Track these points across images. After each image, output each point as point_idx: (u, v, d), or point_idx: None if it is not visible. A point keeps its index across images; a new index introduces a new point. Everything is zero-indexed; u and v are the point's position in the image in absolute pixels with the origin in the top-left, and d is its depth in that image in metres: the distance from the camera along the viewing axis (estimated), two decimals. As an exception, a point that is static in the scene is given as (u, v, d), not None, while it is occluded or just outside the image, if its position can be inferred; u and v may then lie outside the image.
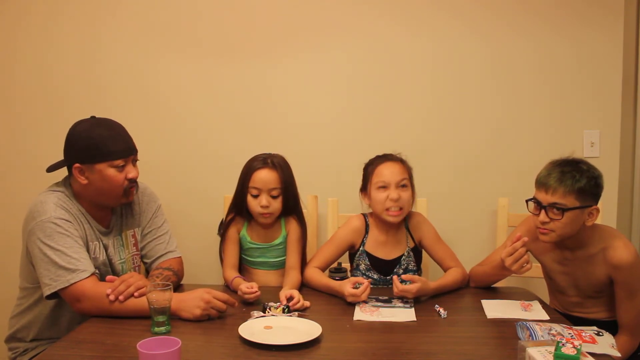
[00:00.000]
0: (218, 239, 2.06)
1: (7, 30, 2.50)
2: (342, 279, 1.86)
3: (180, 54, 2.48)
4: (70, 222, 1.68)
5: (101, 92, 2.50)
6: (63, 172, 1.81)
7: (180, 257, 1.97)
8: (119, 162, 1.73)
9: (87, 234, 1.75)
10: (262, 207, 1.91)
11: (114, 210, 1.86)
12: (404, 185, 1.94)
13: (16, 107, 2.53)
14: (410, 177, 1.99)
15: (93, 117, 1.78)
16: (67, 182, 1.79)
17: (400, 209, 1.93)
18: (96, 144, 1.70)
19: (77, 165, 1.72)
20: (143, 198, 1.95)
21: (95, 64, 2.50)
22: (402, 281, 1.78)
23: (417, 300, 1.78)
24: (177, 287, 1.89)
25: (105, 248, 1.80)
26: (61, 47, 2.49)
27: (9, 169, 2.53)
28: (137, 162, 1.82)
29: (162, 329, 1.51)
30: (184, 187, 2.53)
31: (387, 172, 1.95)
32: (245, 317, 1.60)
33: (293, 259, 1.98)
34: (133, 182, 1.78)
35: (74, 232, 1.68)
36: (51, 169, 1.79)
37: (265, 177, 1.91)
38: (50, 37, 2.49)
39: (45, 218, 1.65)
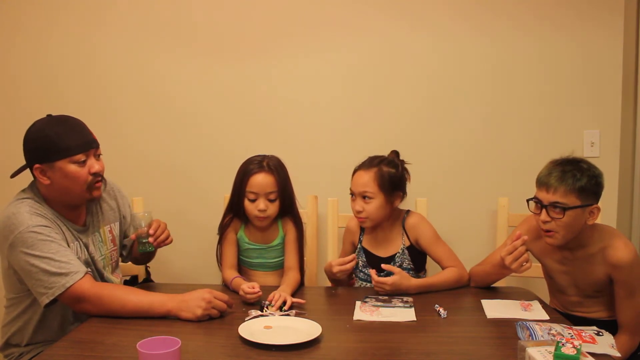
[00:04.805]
0: (217, 238, 2.06)
1: (7, 30, 2.50)
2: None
3: (179, 53, 2.48)
4: (49, 227, 1.63)
5: (100, 92, 2.50)
6: (30, 177, 1.72)
7: None
8: (80, 157, 1.65)
9: (66, 236, 1.70)
10: (259, 210, 1.91)
11: (88, 209, 1.82)
12: (367, 197, 1.90)
13: (16, 107, 2.53)
14: (383, 186, 1.90)
15: (49, 115, 1.71)
16: (34, 187, 1.72)
17: (367, 217, 1.93)
18: (53, 141, 1.63)
19: (37, 165, 1.65)
20: (117, 193, 1.94)
21: (94, 63, 2.50)
22: (381, 274, 1.83)
23: (416, 299, 1.78)
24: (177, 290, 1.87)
25: (86, 247, 1.77)
26: (61, 46, 2.50)
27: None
28: (100, 156, 1.74)
29: (148, 246, 1.76)
30: (184, 187, 2.53)
31: (355, 182, 1.95)
32: (246, 317, 1.60)
33: (291, 259, 1.99)
34: (98, 176, 1.70)
35: (56, 235, 1.63)
36: (15, 174, 1.71)
37: (262, 181, 1.90)
38: (49, 37, 2.49)
39: (24, 229, 1.59)
